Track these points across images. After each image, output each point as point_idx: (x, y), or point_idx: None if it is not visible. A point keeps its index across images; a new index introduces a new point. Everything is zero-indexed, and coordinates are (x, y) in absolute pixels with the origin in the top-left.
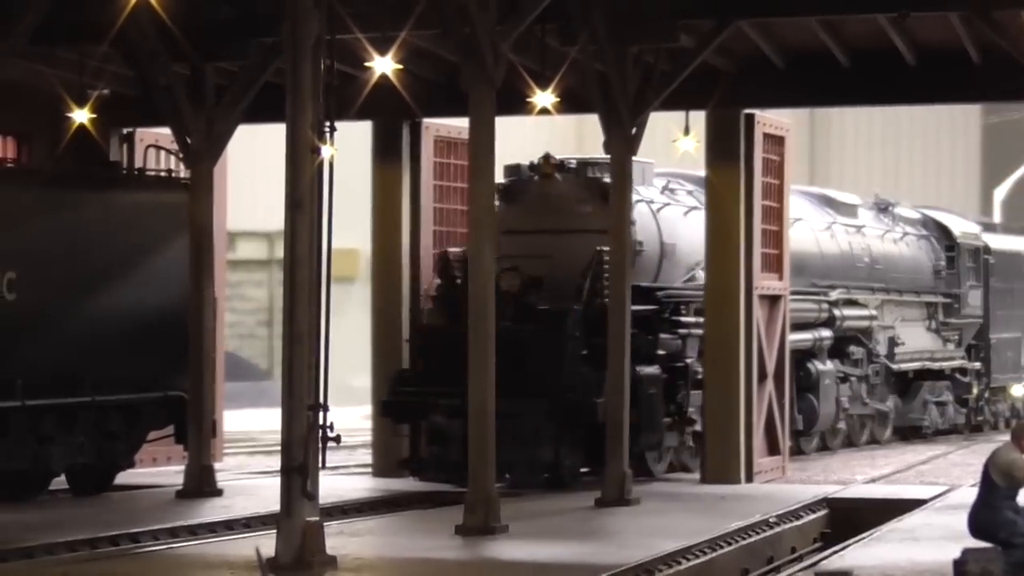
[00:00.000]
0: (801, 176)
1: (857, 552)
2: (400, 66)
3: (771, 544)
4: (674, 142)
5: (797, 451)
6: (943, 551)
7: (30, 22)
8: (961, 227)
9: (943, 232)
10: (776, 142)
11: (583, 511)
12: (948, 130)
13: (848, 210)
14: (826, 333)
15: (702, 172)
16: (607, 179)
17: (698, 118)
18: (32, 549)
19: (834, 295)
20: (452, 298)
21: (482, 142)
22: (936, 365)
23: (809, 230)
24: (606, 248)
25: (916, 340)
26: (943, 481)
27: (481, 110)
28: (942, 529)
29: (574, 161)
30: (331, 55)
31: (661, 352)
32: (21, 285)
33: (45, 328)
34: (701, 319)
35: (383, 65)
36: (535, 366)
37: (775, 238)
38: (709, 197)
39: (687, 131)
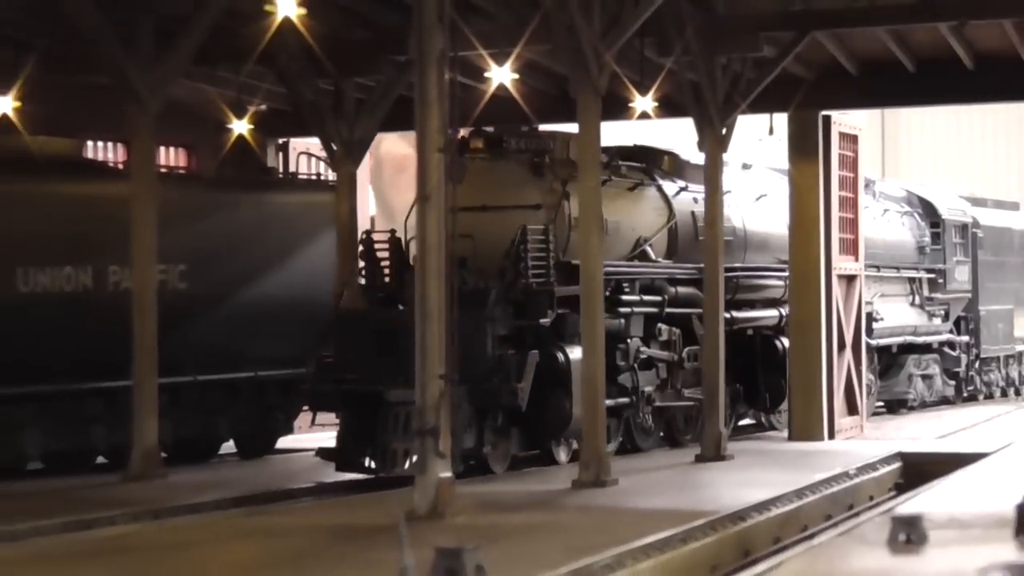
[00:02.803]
0: (874, 170)
1: (928, 499)
2: (516, 75)
3: (851, 493)
4: (759, 141)
5: (770, 427)
6: (1006, 497)
7: (192, 46)
8: (947, 203)
9: (928, 208)
10: (850, 140)
11: (684, 466)
12: (1003, 127)
13: None
14: None
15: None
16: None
17: (780, 119)
18: (202, 505)
19: None
20: (375, 282)
21: (589, 143)
22: (920, 339)
23: (775, 206)
24: (533, 226)
25: (898, 315)
26: (1005, 436)
27: (587, 115)
28: (1004, 477)
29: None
30: (453, 68)
31: None
32: (191, 276)
33: (211, 313)
34: (649, 296)
35: (501, 75)
36: (455, 351)
37: (851, 224)
38: (792, 190)
39: (771, 131)
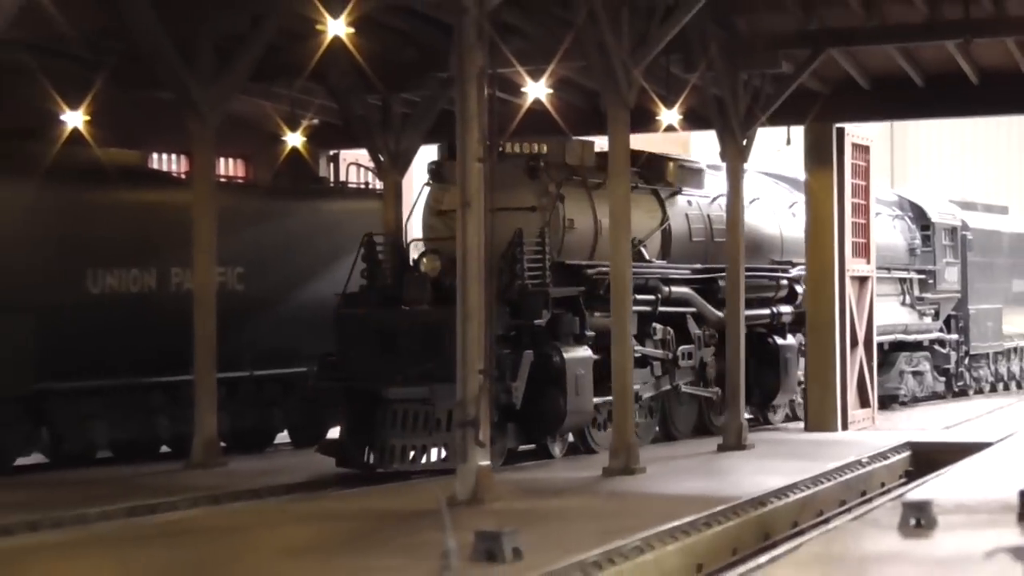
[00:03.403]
0: (884, 178)
1: (936, 485)
2: (551, 90)
3: (864, 480)
4: (778, 152)
5: (764, 422)
6: (1009, 484)
7: (249, 63)
8: (937, 207)
9: (918, 212)
10: (862, 150)
11: (707, 455)
12: (1005, 137)
13: None
14: (786, 309)
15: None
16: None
17: (797, 131)
18: (258, 491)
19: (794, 272)
20: (376, 282)
21: (619, 153)
22: (911, 337)
23: (767, 209)
24: (529, 228)
25: (889, 314)
26: (1007, 427)
27: (617, 127)
28: (1008, 465)
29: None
30: (492, 84)
31: (591, 332)
32: (248, 278)
33: (267, 313)
34: (643, 296)
35: (536, 90)
36: (452, 350)
37: (863, 229)
38: (808, 197)
39: (788, 142)
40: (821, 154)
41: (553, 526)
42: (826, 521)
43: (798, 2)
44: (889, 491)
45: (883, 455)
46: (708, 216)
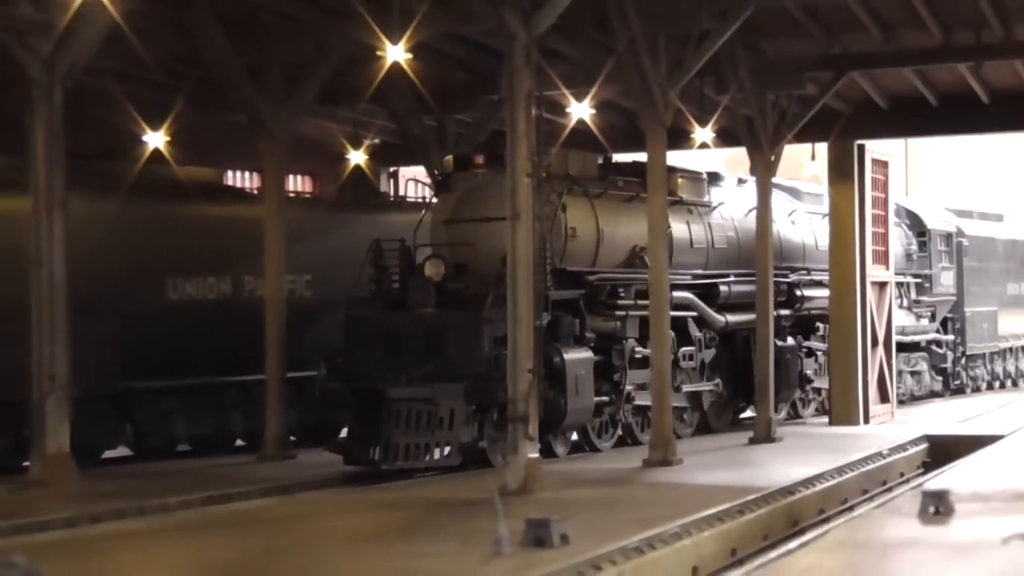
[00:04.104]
0: (899, 190)
1: (953, 475)
2: (593, 111)
3: (884, 471)
4: (803, 166)
5: None
6: (1022, 472)
7: (315, 87)
8: (934, 215)
9: (915, 219)
10: (881, 165)
11: (739, 447)
12: (1012, 151)
13: (814, 199)
14: (785, 312)
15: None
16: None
17: (821, 147)
18: (325, 482)
19: (794, 277)
20: (383, 286)
21: (656, 168)
22: (908, 338)
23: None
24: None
25: None
26: (1017, 421)
27: (655, 145)
28: (1020, 456)
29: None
30: (539, 106)
31: (590, 334)
32: (315, 285)
33: (333, 317)
34: (644, 300)
35: (580, 111)
36: (454, 351)
37: (882, 238)
38: (832, 209)
39: (813, 157)
40: (843, 169)
41: (597, 514)
42: (850, 509)
43: (821, 28)
44: (908, 480)
45: (902, 447)
46: (709, 224)
